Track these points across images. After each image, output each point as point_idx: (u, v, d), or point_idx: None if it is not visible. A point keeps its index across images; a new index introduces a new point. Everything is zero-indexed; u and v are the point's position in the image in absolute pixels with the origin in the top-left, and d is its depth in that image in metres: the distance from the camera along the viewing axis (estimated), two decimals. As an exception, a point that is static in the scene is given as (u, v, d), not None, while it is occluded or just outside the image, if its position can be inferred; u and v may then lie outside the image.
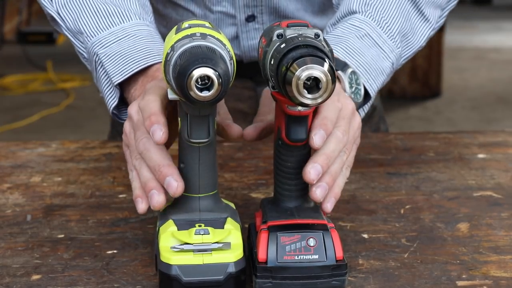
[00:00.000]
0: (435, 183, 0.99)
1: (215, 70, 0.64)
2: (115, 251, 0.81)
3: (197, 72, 0.64)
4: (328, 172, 0.75)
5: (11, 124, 4.24)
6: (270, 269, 0.70)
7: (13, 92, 4.93)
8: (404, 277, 0.75)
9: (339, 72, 0.85)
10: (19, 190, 0.97)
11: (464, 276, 0.75)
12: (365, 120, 1.25)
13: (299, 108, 0.71)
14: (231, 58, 0.68)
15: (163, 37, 1.13)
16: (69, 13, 0.95)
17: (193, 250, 0.69)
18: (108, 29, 0.91)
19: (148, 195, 0.73)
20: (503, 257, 0.79)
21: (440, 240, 0.83)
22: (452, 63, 5.58)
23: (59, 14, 0.96)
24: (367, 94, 0.91)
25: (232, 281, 0.69)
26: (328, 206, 0.75)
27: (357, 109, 0.86)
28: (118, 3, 0.93)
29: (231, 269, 0.69)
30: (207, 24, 0.71)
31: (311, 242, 0.70)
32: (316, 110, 0.74)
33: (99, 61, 0.91)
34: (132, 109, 0.78)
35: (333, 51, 0.76)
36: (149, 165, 0.74)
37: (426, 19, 0.98)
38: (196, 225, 0.71)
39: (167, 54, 0.68)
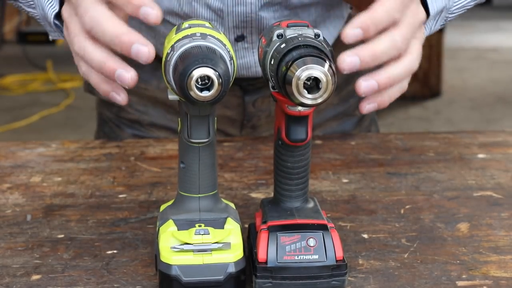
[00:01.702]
0: (435, 183, 0.99)
1: (215, 70, 0.64)
2: (115, 251, 0.81)
3: (197, 72, 0.64)
4: (384, 71, 0.71)
5: (11, 124, 4.24)
6: (270, 269, 0.70)
7: (13, 92, 4.93)
8: (404, 277, 0.75)
9: None
10: (19, 190, 0.97)
11: (464, 276, 0.75)
12: (356, 123, 1.25)
13: (299, 108, 0.71)
14: (231, 58, 0.68)
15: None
16: None
17: (193, 250, 0.69)
18: None
19: (115, 77, 0.70)
20: (503, 257, 0.79)
21: (440, 240, 0.83)
22: (452, 63, 5.58)
23: None
24: None
25: (232, 281, 0.69)
26: (365, 107, 0.72)
27: None
28: None
29: (231, 269, 0.69)
30: (207, 24, 0.71)
31: (311, 242, 0.70)
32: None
33: None
34: None
35: None
36: (104, 41, 0.70)
37: None
38: (196, 225, 0.71)
39: (167, 54, 0.68)
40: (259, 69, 1.06)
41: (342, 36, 0.70)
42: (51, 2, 0.86)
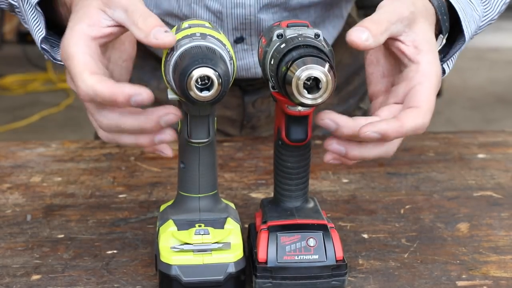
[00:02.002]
0: (435, 183, 0.99)
1: (215, 70, 0.64)
2: (115, 251, 0.81)
3: (197, 72, 0.64)
4: (358, 149, 0.71)
5: (11, 124, 4.24)
6: (270, 269, 0.70)
7: (13, 92, 4.93)
8: (404, 277, 0.75)
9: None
10: (19, 190, 0.97)
11: (464, 276, 0.75)
12: None
13: (299, 108, 0.71)
14: (231, 58, 0.68)
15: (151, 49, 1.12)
16: None
17: (193, 250, 0.69)
18: None
19: (157, 144, 0.69)
20: (503, 257, 0.79)
21: (440, 240, 0.83)
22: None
23: None
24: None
25: (232, 281, 0.69)
26: (329, 160, 0.72)
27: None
28: None
29: (231, 269, 0.69)
30: (207, 24, 0.71)
31: (311, 242, 0.70)
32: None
33: None
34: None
35: None
36: (134, 132, 0.69)
37: None
38: (196, 225, 0.71)
39: (167, 54, 0.68)
40: (258, 70, 1.06)
41: (360, 130, 0.68)
42: (38, 25, 0.81)
